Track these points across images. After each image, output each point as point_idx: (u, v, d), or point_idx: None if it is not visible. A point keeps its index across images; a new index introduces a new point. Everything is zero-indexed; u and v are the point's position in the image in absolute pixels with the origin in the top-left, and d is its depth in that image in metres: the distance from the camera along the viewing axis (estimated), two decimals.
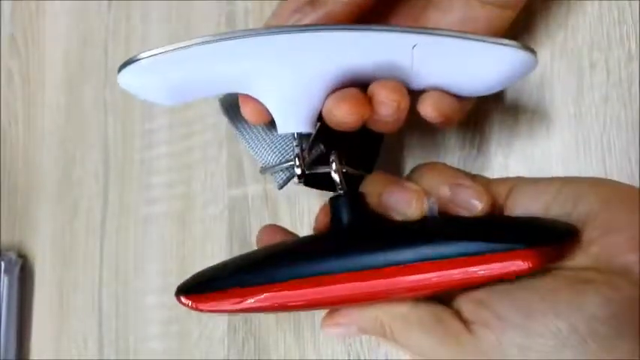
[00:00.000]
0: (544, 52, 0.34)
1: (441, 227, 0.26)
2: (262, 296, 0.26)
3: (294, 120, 0.28)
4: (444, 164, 0.28)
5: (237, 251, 0.43)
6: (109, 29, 0.51)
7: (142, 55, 0.27)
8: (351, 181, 0.28)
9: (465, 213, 0.26)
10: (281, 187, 0.32)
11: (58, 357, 0.50)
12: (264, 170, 0.32)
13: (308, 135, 0.29)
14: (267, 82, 0.27)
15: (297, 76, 0.27)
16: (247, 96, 0.28)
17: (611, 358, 0.21)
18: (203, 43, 0.26)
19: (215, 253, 0.44)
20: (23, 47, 0.57)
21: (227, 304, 0.27)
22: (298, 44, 0.26)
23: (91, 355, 0.48)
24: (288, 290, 0.26)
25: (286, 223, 0.41)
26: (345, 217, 0.27)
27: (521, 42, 0.27)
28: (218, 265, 0.29)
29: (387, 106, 0.27)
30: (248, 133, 0.32)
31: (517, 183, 0.27)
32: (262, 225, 0.42)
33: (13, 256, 0.52)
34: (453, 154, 0.36)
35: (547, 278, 0.24)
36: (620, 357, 0.21)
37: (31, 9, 0.56)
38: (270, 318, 0.41)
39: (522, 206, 0.26)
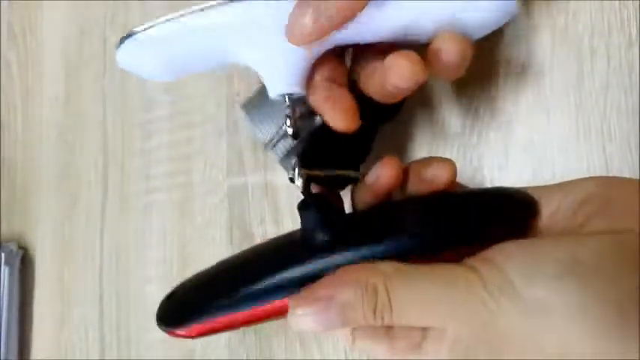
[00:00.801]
0: (545, 38, 0.34)
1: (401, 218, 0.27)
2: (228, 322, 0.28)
3: (281, 82, 0.29)
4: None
5: (237, 240, 0.43)
6: (107, 19, 0.51)
7: (138, 29, 0.28)
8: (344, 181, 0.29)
9: (434, 186, 0.28)
10: (281, 159, 0.33)
11: (59, 347, 0.50)
12: (266, 147, 0.33)
13: (299, 98, 0.30)
14: (252, 48, 0.28)
15: (281, 40, 0.27)
16: None
17: (613, 291, 0.21)
18: (193, 12, 0.28)
19: (215, 241, 0.44)
20: (21, 37, 0.56)
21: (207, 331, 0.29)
22: (277, 10, 0.27)
23: (93, 344, 0.48)
24: (258, 314, 0.27)
25: (286, 213, 0.41)
26: (311, 223, 0.27)
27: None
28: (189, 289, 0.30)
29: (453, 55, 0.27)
30: (260, 120, 0.34)
31: None
32: (262, 214, 0.42)
33: (13, 247, 0.52)
34: (454, 141, 0.36)
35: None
36: (622, 293, 0.21)
37: None
38: None
39: None
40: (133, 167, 0.48)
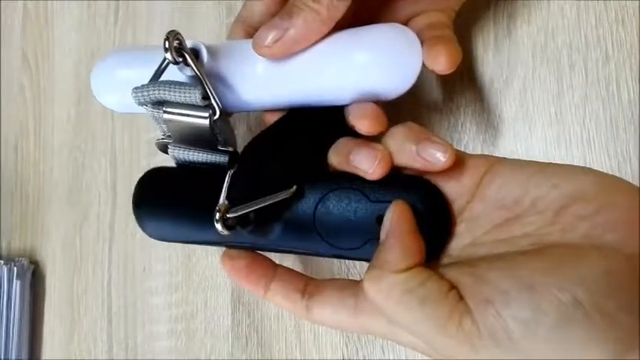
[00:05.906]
0: (526, 55, 0.36)
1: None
2: None
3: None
4: (416, 125, 0.28)
5: None
6: (116, 43, 0.53)
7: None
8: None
9: (429, 167, 0.27)
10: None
11: (69, 356, 0.51)
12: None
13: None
14: None
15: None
16: None
17: (615, 333, 0.21)
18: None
19: (219, 251, 0.45)
20: (34, 63, 0.58)
21: None
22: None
23: (101, 354, 0.49)
24: None
25: None
26: None
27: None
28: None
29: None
30: None
31: (498, 160, 0.27)
32: None
33: (25, 262, 0.53)
34: None
35: (545, 256, 0.24)
36: (623, 333, 0.21)
37: (40, 25, 0.58)
38: (272, 313, 0.42)
39: (498, 182, 0.26)
40: None
